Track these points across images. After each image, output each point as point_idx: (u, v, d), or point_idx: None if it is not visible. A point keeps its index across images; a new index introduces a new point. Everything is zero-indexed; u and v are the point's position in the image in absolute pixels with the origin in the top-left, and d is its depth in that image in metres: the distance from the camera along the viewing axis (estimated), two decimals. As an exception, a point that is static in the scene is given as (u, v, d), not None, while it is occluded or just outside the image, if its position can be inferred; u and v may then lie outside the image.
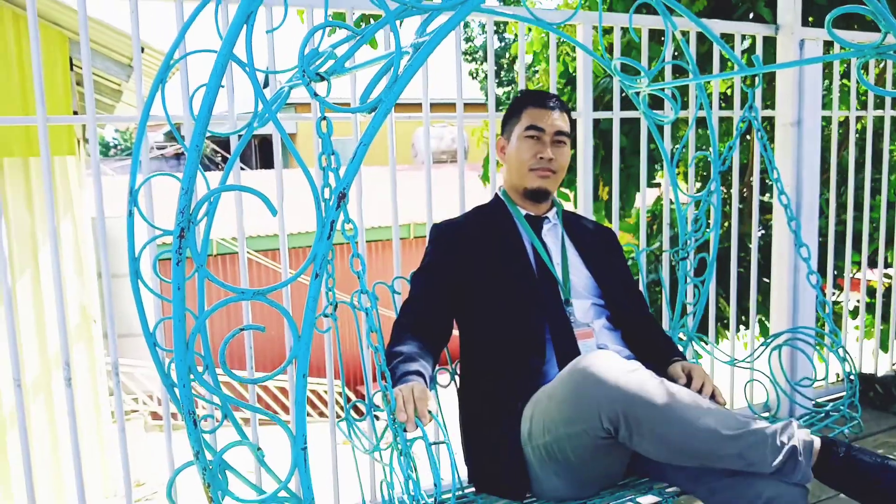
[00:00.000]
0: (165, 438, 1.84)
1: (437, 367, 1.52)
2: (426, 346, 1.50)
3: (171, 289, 0.88)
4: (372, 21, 3.44)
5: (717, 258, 2.19)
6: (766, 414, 1.86)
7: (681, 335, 2.17)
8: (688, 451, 1.25)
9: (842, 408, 1.70)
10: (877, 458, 1.25)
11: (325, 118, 1.33)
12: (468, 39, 21.08)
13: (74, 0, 1.83)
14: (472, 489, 1.58)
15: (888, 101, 3.14)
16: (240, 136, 1.57)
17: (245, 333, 1.73)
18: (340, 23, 0.99)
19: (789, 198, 1.86)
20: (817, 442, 1.27)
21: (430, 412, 1.24)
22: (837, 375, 3.31)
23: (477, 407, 1.60)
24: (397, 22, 0.99)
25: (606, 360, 1.31)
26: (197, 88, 1.35)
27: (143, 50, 2.99)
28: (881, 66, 3.73)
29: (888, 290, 3.69)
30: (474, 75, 20.23)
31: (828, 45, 2.96)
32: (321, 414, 8.04)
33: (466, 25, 20.49)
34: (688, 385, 1.53)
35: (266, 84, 1.43)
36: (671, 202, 2.47)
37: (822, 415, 1.70)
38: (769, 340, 1.96)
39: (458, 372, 1.72)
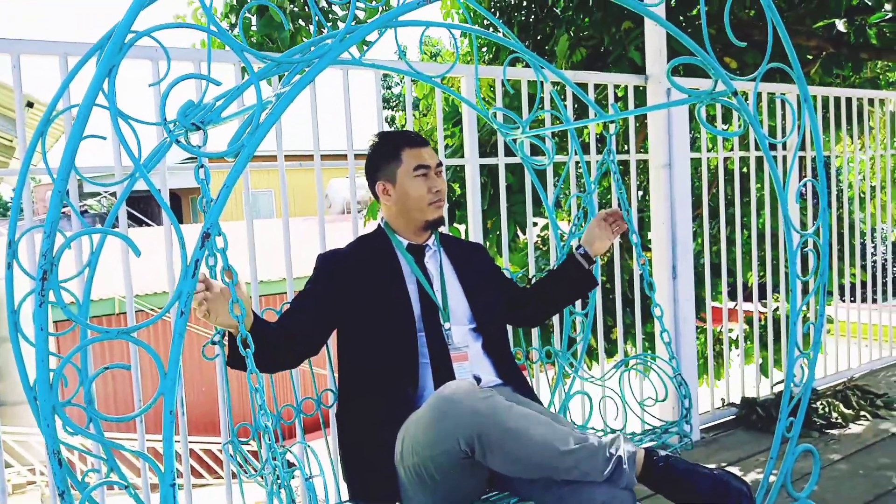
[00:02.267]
0: None
1: (276, 347, 1.57)
2: (277, 331, 1.59)
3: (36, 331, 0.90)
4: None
5: (602, 290, 2.34)
6: (617, 427, 2.04)
7: (571, 363, 2.28)
8: (532, 465, 1.41)
9: (679, 427, 1.86)
10: (690, 466, 1.44)
11: (202, 166, 1.40)
12: (388, 87, 21.63)
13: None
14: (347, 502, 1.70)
15: (752, 142, 3.44)
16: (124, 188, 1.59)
17: (126, 382, 1.72)
18: (199, 74, 1.06)
19: (639, 237, 2.04)
20: (640, 452, 1.45)
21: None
22: (723, 401, 3.51)
23: (354, 431, 1.71)
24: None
25: (463, 388, 1.46)
26: (83, 138, 1.39)
27: (31, 105, 2.95)
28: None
29: (773, 319, 3.94)
30: (391, 123, 20.71)
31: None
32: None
33: (386, 76, 20.97)
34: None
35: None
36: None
37: (662, 431, 1.87)
38: (618, 365, 2.13)
39: (337, 390, 1.82)
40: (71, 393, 1.14)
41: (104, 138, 1.31)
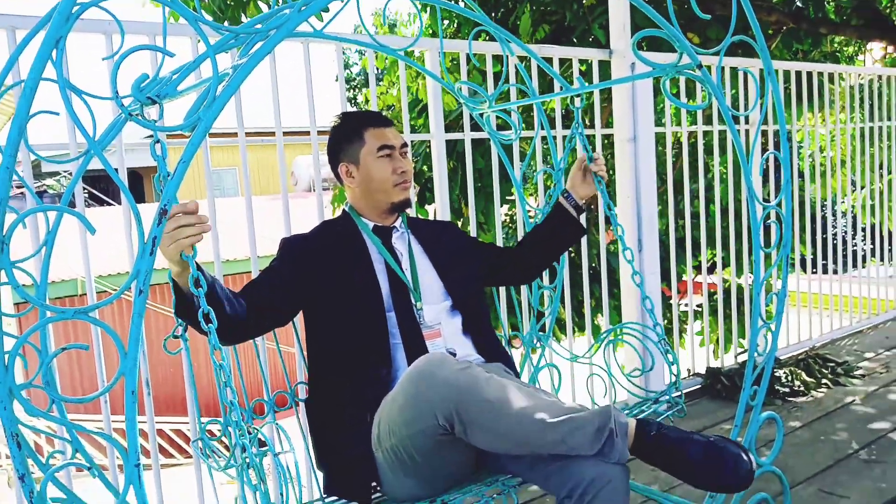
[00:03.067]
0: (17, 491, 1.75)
1: (230, 310, 1.46)
2: (239, 299, 1.52)
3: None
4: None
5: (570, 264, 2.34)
6: (606, 402, 2.02)
7: (536, 340, 2.29)
8: (516, 440, 1.34)
9: (668, 395, 1.86)
10: (683, 434, 1.37)
11: (158, 141, 1.36)
12: (347, 66, 21.27)
13: None
14: (325, 497, 1.64)
15: (715, 116, 3.47)
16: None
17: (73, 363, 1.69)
18: (152, 45, 1.02)
19: (614, 208, 2.03)
20: (632, 423, 1.38)
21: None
22: (689, 371, 3.58)
23: (326, 416, 1.65)
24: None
25: (439, 361, 1.39)
26: (32, 115, 1.34)
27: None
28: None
29: (728, 291, 4.01)
30: (352, 102, 20.44)
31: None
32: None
33: (344, 54, 20.69)
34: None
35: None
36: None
37: (652, 401, 1.86)
38: (602, 336, 2.13)
39: (307, 381, 1.77)
40: (34, 375, 1.11)
41: (56, 114, 1.26)
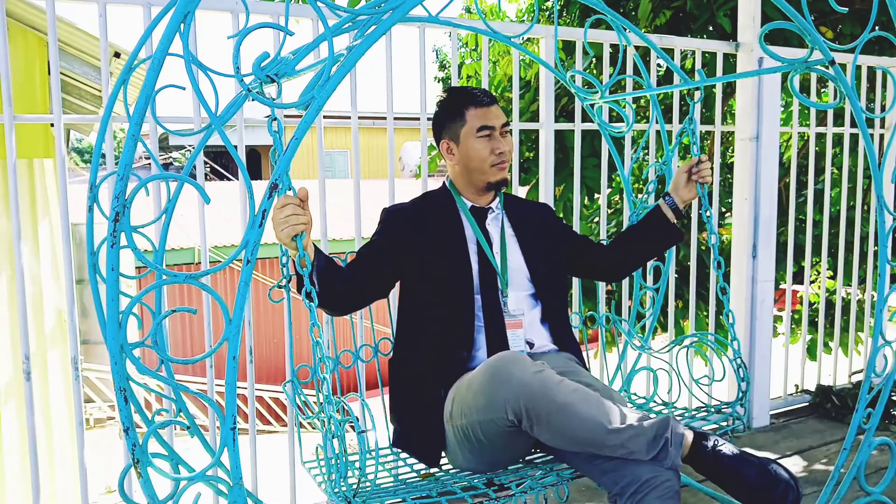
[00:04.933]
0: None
1: (343, 288, 1.59)
2: (342, 272, 1.62)
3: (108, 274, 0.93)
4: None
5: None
6: (660, 406, 1.99)
7: (636, 341, 2.23)
8: (579, 440, 1.43)
9: (732, 409, 1.81)
10: (738, 453, 1.43)
11: (275, 118, 1.41)
12: (442, 66, 20.98)
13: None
14: (394, 448, 1.79)
15: (847, 118, 3.24)
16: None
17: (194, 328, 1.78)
18: (273, 24, 1.05)
19: (712, 211, 1.95)
20: (689, 435, 1.45)
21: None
22: (797, 387, 3.38)
23: (406, 382, 1.75)
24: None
25: (516, 360, 1.48)
26: (159, 89, 1.42)
27: (118, 55, 3.04)
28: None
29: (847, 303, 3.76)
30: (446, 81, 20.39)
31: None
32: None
33: (438, 54, 20.63)
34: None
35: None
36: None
37: (715, 411, 1.83)
38: (677, 341, 2.06)
39: (393, 342, 1.87)
40: (151, 332, 1.18)
41: (183, 88, 1.33)
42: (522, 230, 1.86)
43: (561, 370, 1.55)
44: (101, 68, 3.71)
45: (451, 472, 1.66)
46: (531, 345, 1.76)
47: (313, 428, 1.47)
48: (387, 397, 1.81)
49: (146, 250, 1.00)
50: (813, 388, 3.31)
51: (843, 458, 1.69)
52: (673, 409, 1.94)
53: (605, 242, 2.06)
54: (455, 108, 1.79)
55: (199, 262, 2.08)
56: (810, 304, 3.77)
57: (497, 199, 1.87)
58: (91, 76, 3.41)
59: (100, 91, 4.14)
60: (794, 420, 3.11)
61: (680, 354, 2.06)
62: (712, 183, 1.93)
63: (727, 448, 1.44)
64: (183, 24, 0.95)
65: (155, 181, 2.00)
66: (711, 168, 1.95)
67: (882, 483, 1.69)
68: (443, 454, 1.68)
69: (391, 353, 1.84)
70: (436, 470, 1.67)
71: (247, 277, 0.98)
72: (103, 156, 1.78)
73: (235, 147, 1.76)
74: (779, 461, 1.44)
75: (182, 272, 0.97)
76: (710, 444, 1.44)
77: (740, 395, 1.83)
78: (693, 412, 1.85)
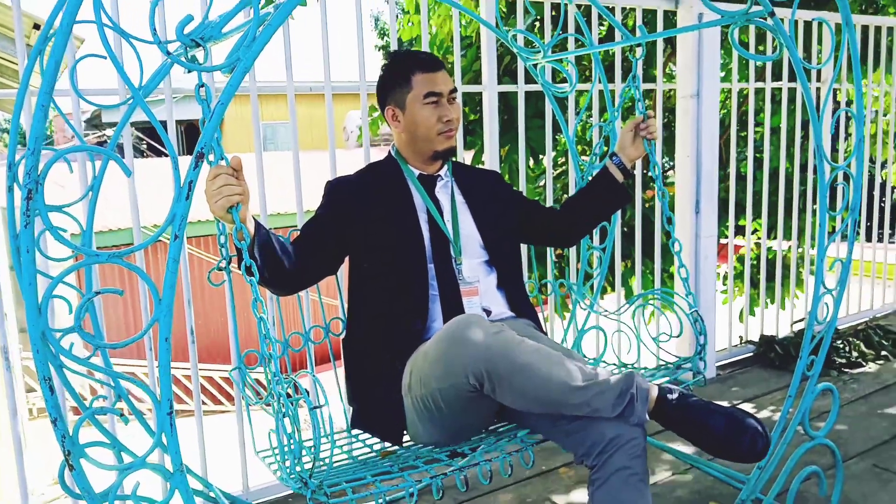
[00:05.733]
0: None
1: (288, 264, 1.51)
2: (286, 249, 1.54)
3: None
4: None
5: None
6: (613, 366, 2.01)
7: (586, 300, 2.24)
8: (542, 401, 1.39)
9: (692, 364, 1.82)
10: (702, 403, 1.41)
11: (202, 84, 1.33)
12: (381, 34, 20.56)
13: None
14: (352, 429, 1.74)
15: (785, 73, 3.28)
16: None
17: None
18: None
19: (659, 167, 1.94)
20: (654, 390, 1.42)
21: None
22: (741, 338, 3.47)
23: (361, 359, 1.69)
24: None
25: (474, 323, 1.42)
26: (78, 60, 1.32)
27: (38, 27, 2.87)
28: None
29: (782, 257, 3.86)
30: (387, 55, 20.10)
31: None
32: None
33: (377, 22, 20.23)
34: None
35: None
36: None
37: (675, 367, 1.84)
38: (633, 299, 2.07)
39: (345, 321, 1.80)
40: (84, 322, 1.11)
41: (103, 57, 1.24)
42: (473, 197, 1.81)
43: (520, 335, 1.49)
44: (13, 39, 3.49)
45: (413, 448, 1.61)
46: (488, 312, 1.72)
47: (266, 411, 1.42)
48: (341, 375, 1.76)
49: (74, 234, 0.93)
50: (756, 339, 3.40)
51: (788, 404, 1.73)
52: (632, 369, 1.95)
53: (556, 208, 2.04)
54: (400, 72, 1.72)
55: (134, 242, 1.99)
56: (753, 259, 3.86)
57: (445, 167, 1.81)
58: (8, 49, 3.22)
59: (14, 63, 3.91)
60: (739, 370, 3.20)
61: (633, 313, 2.06)
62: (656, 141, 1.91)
63: (691, 399, 1.41)
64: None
65: (81, 161, 1.90)
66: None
67: (825, 427, 1.75)
68: (405, 431, 1.63)
69: (343, 334, 1.77)
70: (397, 448, 1.62)
71: (175, 254, 0.92)
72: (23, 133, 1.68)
73: (164, 123, 1.67)
74: (745, 410, 1.43)
75: (105, 251, 0.91)
76: (675, 396, 1.41)
77: (699, 348, 1.83)
78: (653, 371, 1.85)
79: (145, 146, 18.61)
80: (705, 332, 1.85)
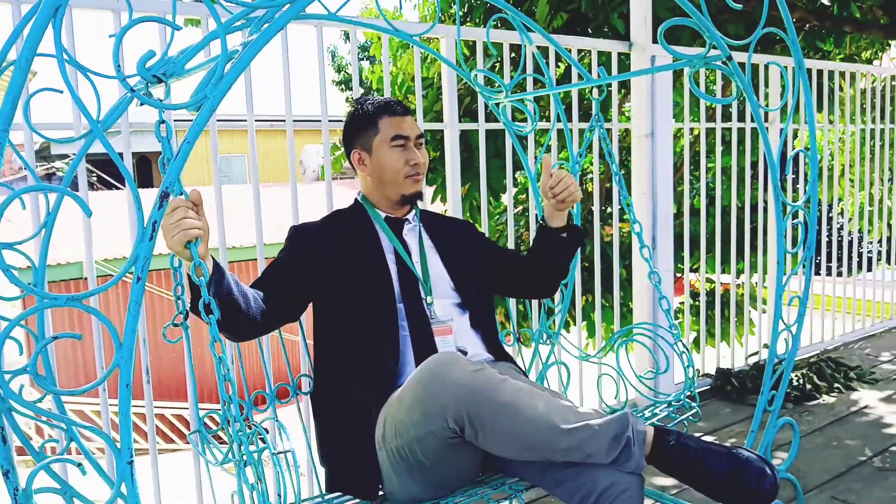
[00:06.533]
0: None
1: (245, 306, 1.42)
2: (248, 293, 1.46)
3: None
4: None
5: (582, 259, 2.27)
6: (615, 404, 1.95)
7: (546, 336, 2.24)
8: (529, 445, 1.28)
9: (682, 398, 1.80)
10: (703, 445, 1.31)
11: (163, 121, 1.30)
12: (339, 69, 20.51)
13: None
14: (326, 494, 1.59)
15: (735, 112, 3.39)
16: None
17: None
18: (157, 17, 0.97)
19: (631, 200, 1.96)
20: (650, 432, 1.31)
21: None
22: (698, 371, 3.52)
23: (332, 413, 1.59)
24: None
25: (451, 361, 1.33)
26: (33, 93, 1.29)
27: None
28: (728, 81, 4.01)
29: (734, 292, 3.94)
30: (349, 100, 20.09)
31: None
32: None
33: (334, 56, 20.30)
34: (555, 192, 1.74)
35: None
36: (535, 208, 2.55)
37: (665, 404, 1.80)
38: (614, 338, 2.06)
39: (312, 375, 1.71)
40: (31, 362, 1.06)
41: (60, 91, 1.21)
42: (441, 242, 1.78)
43: (501, 374, 1.38)
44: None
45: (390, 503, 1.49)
46: (464, 352, 1.64)
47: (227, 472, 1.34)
48: (304, 414, 1.68)
49: (21, 268, 0.89)
50: (712, 372, 3.45)
51: (751, 439, 1.74)
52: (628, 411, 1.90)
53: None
54: (368, 116, 1.71)
55: (87, 278, 1.92)
56: (706, 294, 3.91)
57: (413, 210, 1.79)
58: (-45, 81, 3.12)
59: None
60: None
61: (616, 351, 2.02)
62: (601, 190, 1.93)
63: (691, 441, 1.31)
64: (54, 18, 0.85)
65: (33, 196, 1.85)
66: (567, 183, 1.77)
67: (787, 460, 1.76)
68: (380, 486, 1.49)
69: (311, 389, 1.69)
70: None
71: (138, 297, 0.89)
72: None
73: (121, 155, 1.63)
74: (745, 447, 1.33)
75: (64, 294, 0.87)
76: (672, 438, 1.30)
77: (689, 383, 1.78)
78: (647, 409, 1.79)
79: (95, 178, 18.23)
80: (693, 364, 1.82)
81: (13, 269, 0.94)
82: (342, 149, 1.80)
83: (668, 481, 2.30)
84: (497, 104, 2.22)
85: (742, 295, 4.14)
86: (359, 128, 1.72)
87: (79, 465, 0.93)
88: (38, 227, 1.69)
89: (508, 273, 1.90)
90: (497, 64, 3.45)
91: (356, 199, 1.80)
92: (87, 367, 9.05)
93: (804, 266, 1.63)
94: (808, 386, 3.26)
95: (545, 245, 1.85)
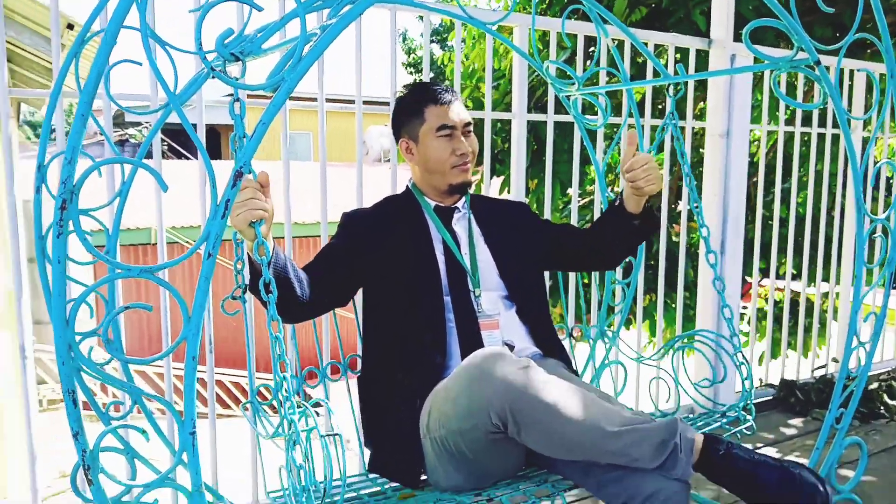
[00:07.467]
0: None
1: (300, 290, 1.45)
2: (302, 278, 1.48)
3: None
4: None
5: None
6: (670, 409, 1.91)
7: (608, 335, 2.20)
8: (572, 446, 1.28)
9: (737, 410, 1.75)
10: (753, 455, 1.29)
11: (237, 100, 1.32)
12: (409, 51, 20.49)
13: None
14: (369, 474, 1.62)
15: (815, 117, 3.25)
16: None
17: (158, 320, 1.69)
18: (240, -2, 0.97)
19: (700, 203, 1.89)
20: (699, 439, 1.30)
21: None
22: (761, 381, 3.41)
23: (377, 397, 1.61)
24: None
25: (497, 356, 1.33)
26: (113, 64, 1.32)
27: (71, 27, 2.89)
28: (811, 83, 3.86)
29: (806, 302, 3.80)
30: (439, 71, 20.05)
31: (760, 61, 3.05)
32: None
33: (404, 38, 20.27)
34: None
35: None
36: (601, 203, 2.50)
37: (720, 414, 1.75)
38: (672, 342, 2.02)
39: (361, 357, 1.73)
40: (102, 330, 1.09)
41: (139, 64, 1.24)
42: (492, 229, 1.76)
43: (549, 372, 1.38)
44: (49, 38, 3.54)
45: (434, 491, 1.49)
46: (511, 347, 1.63)
47: (276, 445, 1.37)
48: (354, 400, 1.70)
49: (98, 230, 0.92)
50: (776, 383, 3.34)
51: (815, 456, 1.68)
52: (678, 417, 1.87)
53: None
54: (414, 105, 1.69)
55: (156, 243, 1.98)
56: (775, 303, 3.79)
57: (463, 199, 1.77)
58: (42, 48, 3.25)
59: (49, 62, 3.95)
60: (759, 415, 3.13)
61: (672, 356, 1.97)
62: (682, 183, 1.87)
63: (742, 451, 1.29)
64: (141, -6, 0.87)
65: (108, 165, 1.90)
66: (660, 164, 1.84)
67: (853, 481, 1.69)
68: (423, 473, 1.51)
69: (360, 373, 1.70)
70: (417, 491, 1.50)
71: (208, 273, 0.90)
72: (53, 131, 1.68)
73: (195, 126, 1.67)
74: (799, 462, 1.30)
75: (136, 265, 0.89)
76: (722, 447, 1.29)
77: (746, 394, 1.73)
78: (698, 418, 1.75)
79: (165, 147, 18.78)
80: (751, 376, 1.76)
81: (87, 235, 0.97)
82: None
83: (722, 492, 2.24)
84: (568, 97, 2.18)
85: (812, 306, 3.99)
86: (405, 117, 1.71)
87: (143, 431, 0.95)
88: (111, 196, 1.74)
89: (571, 253, 1.86)
90: (571, 58, 3.40)
91: (407, 186, 1.80)
92: (150, 328, 9.36)
93: (883, 283, 1.55)
94: (878, 404, 3.13)
95: (609, 223, 1.80)
